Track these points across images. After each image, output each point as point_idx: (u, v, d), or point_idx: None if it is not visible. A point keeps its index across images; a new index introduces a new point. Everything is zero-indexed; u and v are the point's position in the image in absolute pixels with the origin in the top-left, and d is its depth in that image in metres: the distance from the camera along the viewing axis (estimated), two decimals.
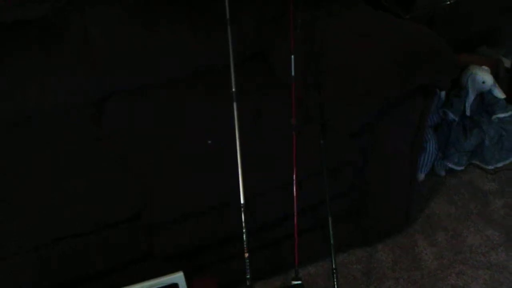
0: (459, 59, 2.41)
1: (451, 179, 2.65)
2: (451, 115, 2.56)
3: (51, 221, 1.77)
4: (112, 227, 1.81)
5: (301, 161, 1.89)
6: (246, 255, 1.82)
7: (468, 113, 2.56)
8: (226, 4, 2.03)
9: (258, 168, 1.89)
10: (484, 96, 2.61)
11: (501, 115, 2.60)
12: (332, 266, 1.86)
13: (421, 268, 2.23)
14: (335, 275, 1.85)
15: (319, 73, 2.05)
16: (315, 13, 2.23)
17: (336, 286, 1.85)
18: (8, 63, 2.16)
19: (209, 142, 2.00)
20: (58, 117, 2.20)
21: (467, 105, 2.55)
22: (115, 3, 2.25)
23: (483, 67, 2.58)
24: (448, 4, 2.50)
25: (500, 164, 2.67)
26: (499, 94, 2.56)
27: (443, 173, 2.67)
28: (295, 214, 1.90)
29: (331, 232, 1.88)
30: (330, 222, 1.89)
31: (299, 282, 1.88)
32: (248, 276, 1.82)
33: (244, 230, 1.82)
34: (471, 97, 2.54)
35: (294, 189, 1.90)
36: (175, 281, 1.82)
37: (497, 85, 2.56)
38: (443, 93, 2.56)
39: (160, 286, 1.81)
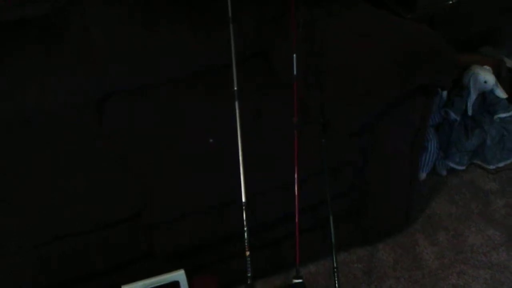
0: (461, 59, 2.42)
1: (452, 179, 2.65)
2: (453, 115, 2.55)
3: (51, 220, 1.77)
4: (112, 227, 1.81)
5: (302, 160, 1.89)
6: (247, 253, 1.82)
7: (469, 112, 2.56)
8: (229, 2, 2.03)
9: (258, 167, 1.89)
10: (486, 96, 2.60)
11: (503, 115, 2.59)
12: (333, 265, 1.86)
13: (422, 267, 2.23)
14: (336, 274, 1.85)
15: (319, 73, 2.05)
16: (315, 13, 2.23)
17: (337, 285, 1.85)
18: (8, 63, 2.16)
19: (211, 140, 2.00)
20: (58, 117, 2.19)
21: (468, 104, 2.55)
22: (115, 3, 2.25)
23: (485, 66, 2.57)
24: (450, 3, 2.49)
25: (501, 164, 2.67)
26: (501, 94, 2.56)
27: (444, 172, 2.67)
28: (297, 213, 1.90)
29: (332, 231, 1.88)
30: (331, 221, 1.89)
31: (300, 280, 1.88)
32: (249, 275, 1.82)
33: (245, 229, 1.82)
34: (473, 96, 2.54)
35: (296, 188, 1.90)
36: (176, 279, 1.83)
37: (499, 85, 2.55)
38: (444, 93, 2.56)
39: (161, 284, 1.82)
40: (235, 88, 1.94)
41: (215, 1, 2.27)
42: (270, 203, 1.97)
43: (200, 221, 1.90)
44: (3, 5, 2.15)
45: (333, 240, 1.88)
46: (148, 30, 2.27)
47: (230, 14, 2.02)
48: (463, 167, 2.65)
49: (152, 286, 1.81)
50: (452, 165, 2.64)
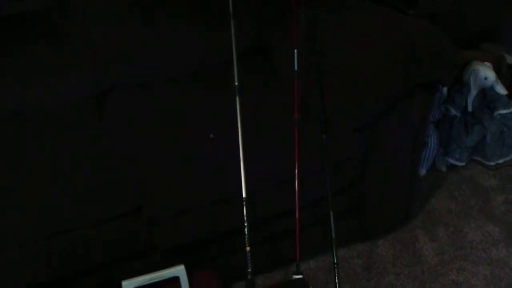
0: (461, 56, 2.42)
1: (452, 175, 2.66)
2: (453, 111, 2.56)
3: (51, 216, 1.76)
4: (112, 222, 1.81)
5: (302, 156, 1.89)
6: (248, 249, 1.82)
7: (470, 109, 2.56)
8: None
9: (259, 163, 1.89)
10: (486, 92, 2.60)
11: (503, 111, 2.59)
12: (334, 260, 1.85)
13: (421, 263, 2.23)
14: (336, 269, 1.85)
15: (320, 70, 2.04)
16: (316, 10, 2.22)
17: (337, 280, 1.85)
18: (8, 60, 2.15)
19: (211, 136, 1.99)
20: (58, 113, 2.18)
21: (469, 101, 2.55)
22: (115, 0, 2.24)
23: (485, 63, 2.58)
24: (451, 0, 2.49)
25: (501, 161, 2.67)
26: (501, 90, 2.56)
27: (444, 168, 2.67)
28: (297, 209, 1.90)
29: (332, 227, 1.88)
30: (331, 217, 1.89)
31: (300, 276, 1.88)
32: (249, 270, 1.82)
33: (245, 224, 1.82)
34: (473, 93, 2.54)
35: (296, 184, 1.90)
36: (176, 274, 1.83)
37: (499, 81, 2.55)
38: (445, 89, 2.57)
39: (161, 279, 1.82)
40: (236, 84, 1.94)
41: None
42: (270, 199, 1.97)
43: (200, 216, 1.90)
44: None
45: (333, 236, 1.87)
46: (147, 27, 2.27)
47: (231, 10, 2.01)
48: (463, 163, 2.66)
49: (152, 281, 1.81)
50: (452, 161, 2.64)
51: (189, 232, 1.92)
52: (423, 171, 2.62)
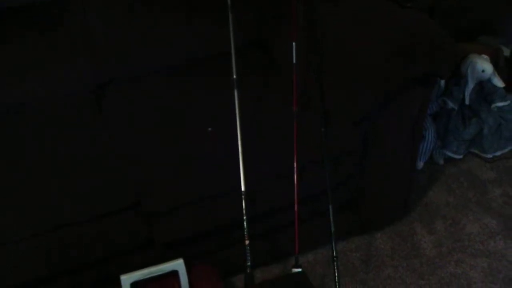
0: (459, 48, 2.41)
1: (449, 168, 2.66)
2: (451, 104, 2.55)
3: (50, 210, 1.75)
4: (112, 215, 1.80)
5: (301, 149, 1.89)
6: (247, 242, 1.82)
7: (467, 101, 2.56)
8: None
9: (258, 157, 1.89)
10: (483, 85, 2.60)
11: (500, 104, 2.59)
12: (333, 254, 1.86)
13: (420, 256, 2.24)
14: (335, 263, 1.85)
15: (319, 62, 2.04)
16: (314, 3, 2.21)
17: (336, 274, 1.85)
18: (6, 52, 2.14)
19: (210, 129, 1.99)
20: (57, 106, 2.19)
21: (466, 93, 2.55)
22: None
23: (483, 55, 2.57)
24: None
25: (498, 153, 2.68)
26: (499, 83, 2.56)
27: (441, 161, 2.67)
28: (296, 202, 1.90)
29: (331, 220, 1.88)
30: (331, 210, 1.89)
31: (299, 269, 1.88)
32: (248, 264, 1.82)
33: (244, 218, 1.82)
34: (471, 85, 2.53)
35: (295, 178, 1.89)
36: (175, 268, 1.83)
37: (496, 74, 2.55)
38: (442, 82, 2.56)
39: (160, 273, 1.81)
40: (234, 77, 1.93)
41: None
42: (269, 192, 1.96)
43: (199, 210, 1.89)
44: None
45: (332, 229, 1.88)
46: (145, 20, 2.26)
47: (229, 2, 2.01)
48: (460, 156, 2.66)
49: (151, 275, 1.80)
50: (449, 154, 2.64)
51: (187, 226, 1.91)
52: (420, 164, 2.62)
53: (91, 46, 2.22)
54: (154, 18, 2.26)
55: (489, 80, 2.56)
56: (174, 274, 1.83)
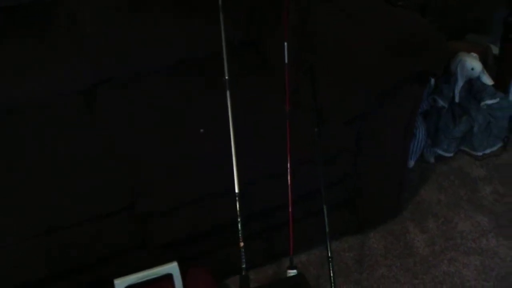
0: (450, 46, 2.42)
1: (440, 166, 2.67)
2: (441, 102, 2.56)
3: (43, 213, 1.73)
4: (106, 217, 1.79)
5: (294, 149, 1.88)
6: (242, 244, 1.81)
7: (457, 99, 2.56)
8: None
9: (251, 157, 1.87)
10: (472, 83, 2.61)
11: (490, 102, 2.60)
12: (328, 254, 1.85)
13: (413, 255, 2.24)
14: (331, 264, 1.84)
15: (312, 62, 2.03)
16: (306, 2, 2.20)
17: (332, 274, 1.84)
18: (5, 52, 2.13)
19: (201, 130, 1.97)
20: (48, 107, 2.17)
21: (456, 91, 2.55)
22: None
23: (472, 53, 2.58)
24: None
25: (488, 151, 2.68)
26: (488, 80, 2.57)
27: (432, 160, 2.68)
28: (290, 203, 1.90)
29: (326, 220, 1.87)
30: (325, 210, 1.88)
31: (294, 271, 1.87)
32: (243, 266, 1.80)
33: (239, 220, 1.81)
34: (460, 83, 2.54)
35: (289, 178, 1.88)
36: (169, 271, 1.81)
37: (485, 71, 2.56)
38: (432, 80, 2.56)
39: (154, 276, 1.80)
40: (226, 77, 1.92)
41: None
42: (262, 193, 1.96)
43: (193, 211, 1.87)
44: None
45: (327, 229, 1.87)
46: (138, 20, 2.25)
47: (220, 2, 1.99)
48: (451, 154, 2.66)
49: (145, 279, 1.79)
50: (440, 152, 2.65)
51: (184, 227, 1.90)
52: (411, 163, 2.62)
53: (89, 46, 2.22)
54: (145, 17, 2.25)
55: (478, 78, 2.57)
56: (168, 277, 1.82)
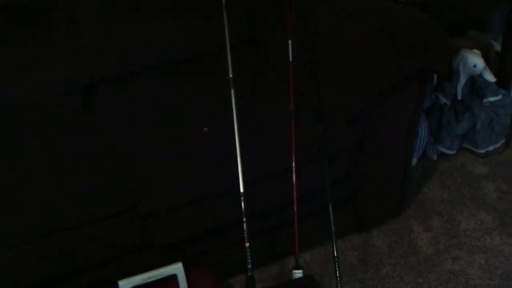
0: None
1: (443, 163, 2.65)
2: (443, 99, 2.55)
3: (44, 215, 1.72)
4: (108, 218, 1.77)
5: (297, 148, 1.86)
6: (247, 244, 1.79)
7: (459, 97, 2.55)
8: None
9: (254, 157, 1.86)
10: (475, 80, 2.60)
11: (492, 99, 2.59)
12: (334, 254, 1.84)
13: (417, 253, 2.22)
14: (337, 263, 1.83)
15: (314, 60, 2.02)
16: (307, 1, 2.19)
17: (338, 274, 1.82)
18: (5, 52, 2.12)
19: (205, 129, 1.96)
20: (46, 106, 2.15)
21: (458, 89, 2.54)
22: None
23: (474, 50, 2.57)
24: None
25: (490, 148, 2.67)
26: (490, 77, 2.55)
27: (435, 157, 2.67)
28: (295, 202, 1.88)
29: (332, 219, 1.86)
30: (330, 209, 1.87)
31: (300, 271, 1.86)
32: (249, 267, 1.79)
33: (244, 219, 1.79)
34: (462, 80, 2.53)
35: (294, 177, 1.87)
36: (174, 272, 1.80)
37: (487, 68, 2.55)
38: (434, 77, 2.55)
39: (159, 277, 1.78)
40: (230, 76, 1.89)
41: None
42: (266, 192, 1.94)
43: (193, 211, 1.85)
44: None
45: (333, 229, 1.85)
46: (136, 18, 2.24)
47: (223, 1, 1.97)
48: (454, 152, 2.65)
49: (150, 280, 1.77)
50: (442, 149, 2.63)
51: (181, 228, 1.88)
52: (414, 160, 2.60)
53: (89, 46, 2.20)
54: (144, 15, 2.23)
55: (480, 75, 2.56)
56: (173, 278, 1.80)
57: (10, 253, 1.66)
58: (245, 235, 1.79)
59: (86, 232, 1.74)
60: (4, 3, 2.10)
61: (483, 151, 2.66)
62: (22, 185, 1.79)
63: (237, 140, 1.82)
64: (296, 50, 2.00)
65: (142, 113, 2.07)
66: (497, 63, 2.74)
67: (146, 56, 2.28)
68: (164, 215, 1.81)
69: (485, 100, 2.59)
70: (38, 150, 1.93)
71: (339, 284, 1.82)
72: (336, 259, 1.83)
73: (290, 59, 1.95)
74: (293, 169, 1.86)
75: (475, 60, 2.52)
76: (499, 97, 2.59)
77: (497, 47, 2.80)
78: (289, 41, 1.94)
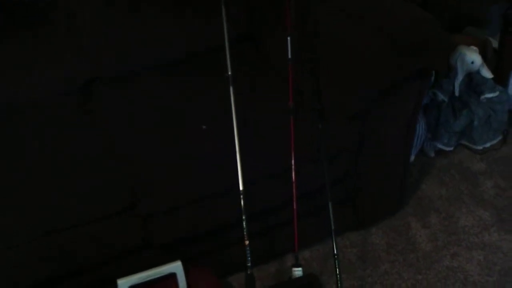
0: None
1: (440, 160, 2.66)
2: (441, 96, 2.55)
3: (44, 212, 1.72)
4: (108, 218, 1.77)
5: (297, 147, 1.87)
6: (247, 242, 1.79)
7: (457, 93, 2.55)
8: None
9: (254, 155, 1.86)
10: (472, 77, 2.60)
11: (489, 95, 2.59)
12: (333, 251, 1.84)
13: (416, 250, 2.23)
14: (337, 261, 1.83)
15: (314, 58, 2.01)
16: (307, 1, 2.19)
17: (338, 271, 1.83)
18: (5, 52, 2.11)
19: (204, 127, 1.95)
20: (45, 105, 2.15)
21: (456, 85, 2.54)
22: None
23: (472, 47, 2.57)
24: None
25: (488, 145, 2.68)
26: (487, 74, 2.56)
27: (432, 154, 2.67)
28: (295, 200, 1.88)
29: (331, 217, 1.86)
30: (330, 207, 1.87)
31: (300, 269, 1.87)
32: (249, 265, 1.79)
33: (244, 218, 1.79)
34: (460, 77, 2.53)
35: (293, 175, 1.87)
36: (173, 271, 1.80)
37: (485, 65, 2.55)
38: (432, 74, 2.55)
39: (158, 276, 1.78)
40: (229, 73, 1.89)
41: None
42: (265, 191, 1.94)
43: (193, 211, 1.85)
44: None
45: (333, 227, 1.86)
46: (136, 18, 2.24)
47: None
48: (451, 148, 2.66)
49: (149, 278, 1.77)
50: (440, 146, 2.64)
51: (181, 227, 1.88)
52: (411, 157, 2.61)
53: (89, 46, 2.20)
54: (142, 13, 2.23)
55: (478, 72, 2.56)
56: (172, 276, 1.80)
57: (10, 253, 1.66)
58: (245, 233, 1.79)
59: (86, 232, 1.74)
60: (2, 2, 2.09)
61: (480, 147, 2.67)
62: (22, 185, 1.79)
63: (236, 138, 1.82)
64: (295, 50, 2.00)
65: (142, 113, 2.06)
66: (495, 60, 2.74)
67: (146, 56, 2.28)
68: (164, 215, 1.81)
69: (482, 97, 2.59)
70: (38, 150, 1.93)
71: (338, 281, 1.83)
72: (335, 256, 1.84)
73: (289, 56, 1.95)
74: (293, 166, 1.86)
75: (472, 57, 2.52)
76: (497, 93, 2.60)
77: (495, 43, 2.80)
78: (288, 38, 1.93)
